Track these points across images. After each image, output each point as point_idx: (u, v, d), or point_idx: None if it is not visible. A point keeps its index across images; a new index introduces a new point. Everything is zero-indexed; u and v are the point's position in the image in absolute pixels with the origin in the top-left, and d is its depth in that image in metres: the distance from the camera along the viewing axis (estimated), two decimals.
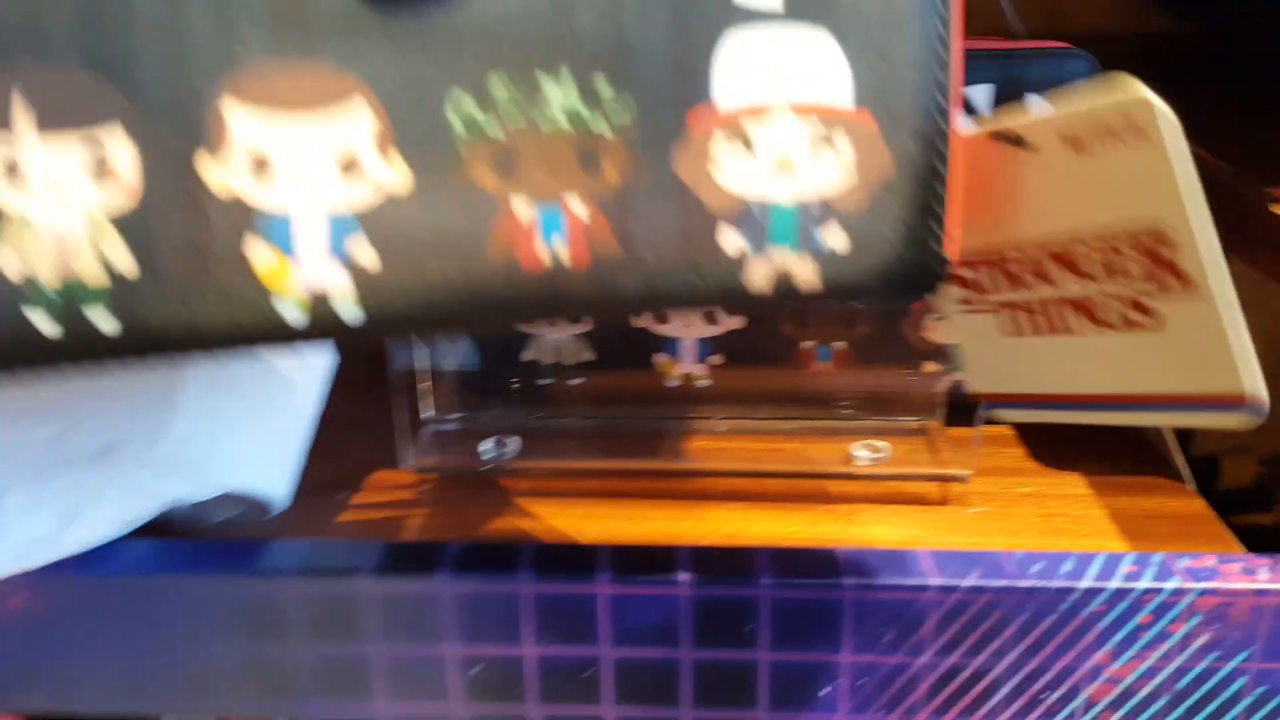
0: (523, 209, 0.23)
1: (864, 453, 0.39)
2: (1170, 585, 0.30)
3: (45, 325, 0.23)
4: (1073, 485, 0.38)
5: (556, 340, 0.41)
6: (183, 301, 0.23)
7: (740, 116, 0.24)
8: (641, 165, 0.24)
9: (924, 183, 0.24)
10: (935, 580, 0.31)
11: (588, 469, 0.40)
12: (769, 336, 0.39)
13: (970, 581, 0.31)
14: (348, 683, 0.33)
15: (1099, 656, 0.31)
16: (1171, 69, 0.37)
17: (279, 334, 0.23)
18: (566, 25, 0.23)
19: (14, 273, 0.23)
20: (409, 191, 0.23)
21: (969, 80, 0.35)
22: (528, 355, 0.41)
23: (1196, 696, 0.32)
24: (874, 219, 0.24)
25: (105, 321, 0.23)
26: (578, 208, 0.24)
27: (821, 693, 0.32)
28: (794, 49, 0.23)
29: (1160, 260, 0.23)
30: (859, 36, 0.23)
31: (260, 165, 0.23)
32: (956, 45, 0.24)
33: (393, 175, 0.23)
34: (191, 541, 0.33)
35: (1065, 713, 0.32)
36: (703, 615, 0.32)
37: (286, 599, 0.32)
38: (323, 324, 0.23)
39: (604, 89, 0.23)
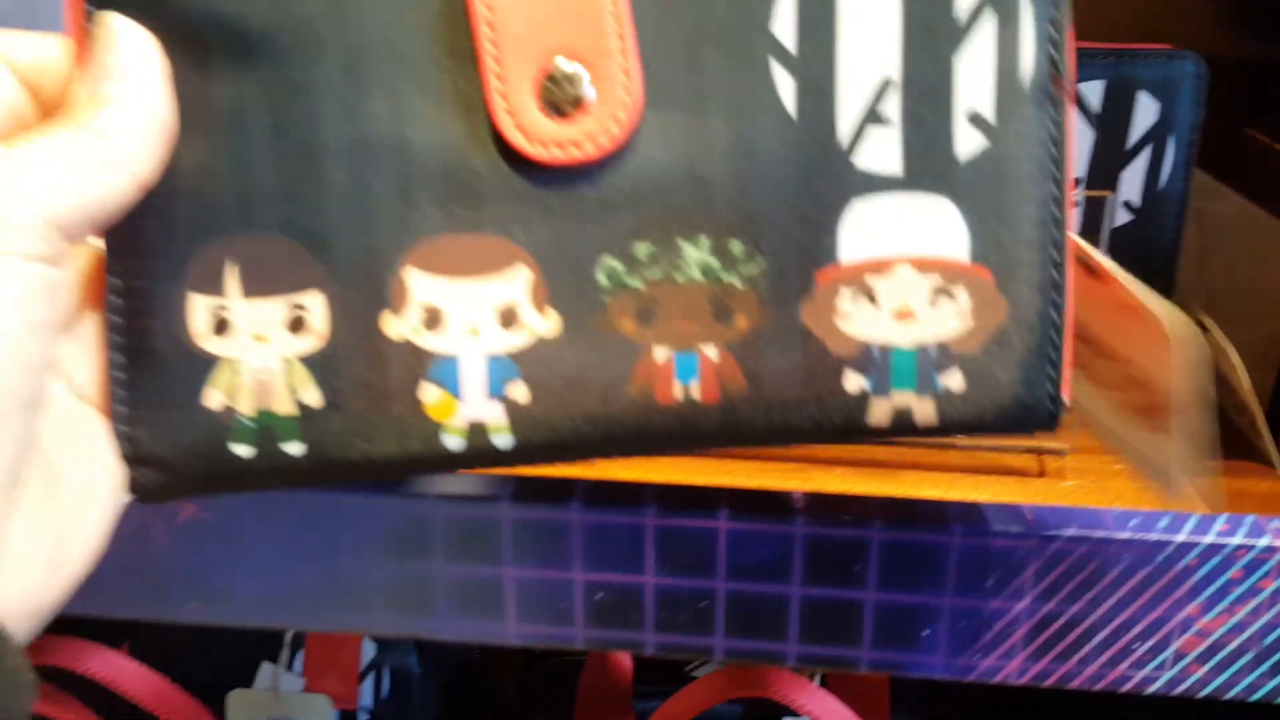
0: (661, 354, 0.27)
1: None
2: (1262, 542, 0.33)
3: (242, 450, 0.27)
4: None
5: None
6: (361, 430, 0.27)
7: (863, 270, 0.26)
8: (770, 314, 0.27)
9: (1038, 330, 0.27)
10: (1037, 530, 0.34)
11: None
12: None
13: (1070, 532, 0.34)
14: (482, 603, 0.37)
15: (1190, 609, 0.34)
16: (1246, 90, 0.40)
17: (441, 461, 0.27)
18: (704, 197, 0.26)
19: (219, 407, 0.27)
20: (559, 336, 0.27)
21: (1082, 77, 0.39)
22: None
23: None
24: (990, 362, 0.27)
25: (293, 446, 0.27)
26: (711, 352, 0.27)
27: (922, 634, 0.36)
28: (914, 212, 0.26)
29: (1150, 401, 0.29)
30: (976, 201, 0.26)
31: (433, 318, 0.27)
32: (1069, 206, 0.27)
33: (545, 323, 0.27)
34: None
35: (1154, 663, 0.35)
36: (814, 554, 0.35)
37: (433, 520, 0.36)
38: (479, 451, 0.27)
39: (737, 249, 0.26)
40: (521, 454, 0.27)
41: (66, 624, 0.49)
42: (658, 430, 0.27)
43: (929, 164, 0.26)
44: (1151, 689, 0.36)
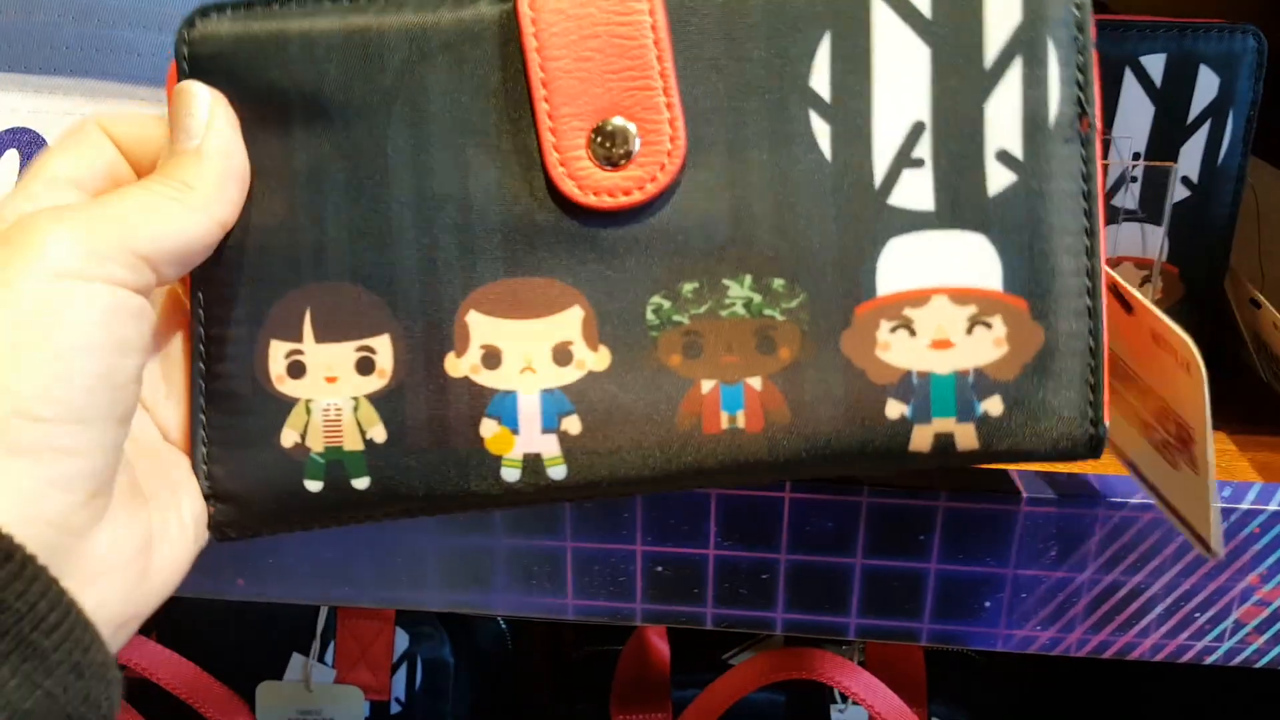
0: (707, 386, 0.29)
1: None
2: None
3: (312, 485, 0.30)
4: (1220, 441, 0.42)
5: None
6: (423, 464, 0.30)
7: (901, 302, 0.28)
8: (811, 346, 0.29)
9: (1074, 356, 0.28)
10: (1102, 498, 0.35)
11: None
12: None
13: (1135, 500, 0.35)
14: (541, 576, 0.38)
15: (1251, 578, 0.35)
16: None
17: (499, 493, 0.30)
18: (746, 237, 0.28)
19: (292, 445, 0.30)
20: (610, 371, 0.29)
21: (1143, 51, 0.40)
22: None
23: None
24: (1028, 387, 0.28)
25: (360, 481, 0.30)
26: (755, 383, 0.29)
27: (984, 605, 0.37)
28: (948, 246, 0.28)
29: (1185, 439, 0.30)
30: (1007, 234, 0.28)
31: (492, 356, 0.29)
32: (1101, 234, 0.28)
33: (597, 359, 0.29)
34: None
35: (1214, 633, 0.36)
36: (878, 524, 0.36)
37: None
38: (535, 483, 0.29)
39: (778, 285, 0.28)
40: (575, 486, 0.29)
41: None
42: (705, 460, 0.29)
43: (961, 201, 0.28)
44: (1210, 659, 0.37)
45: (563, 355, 0.29)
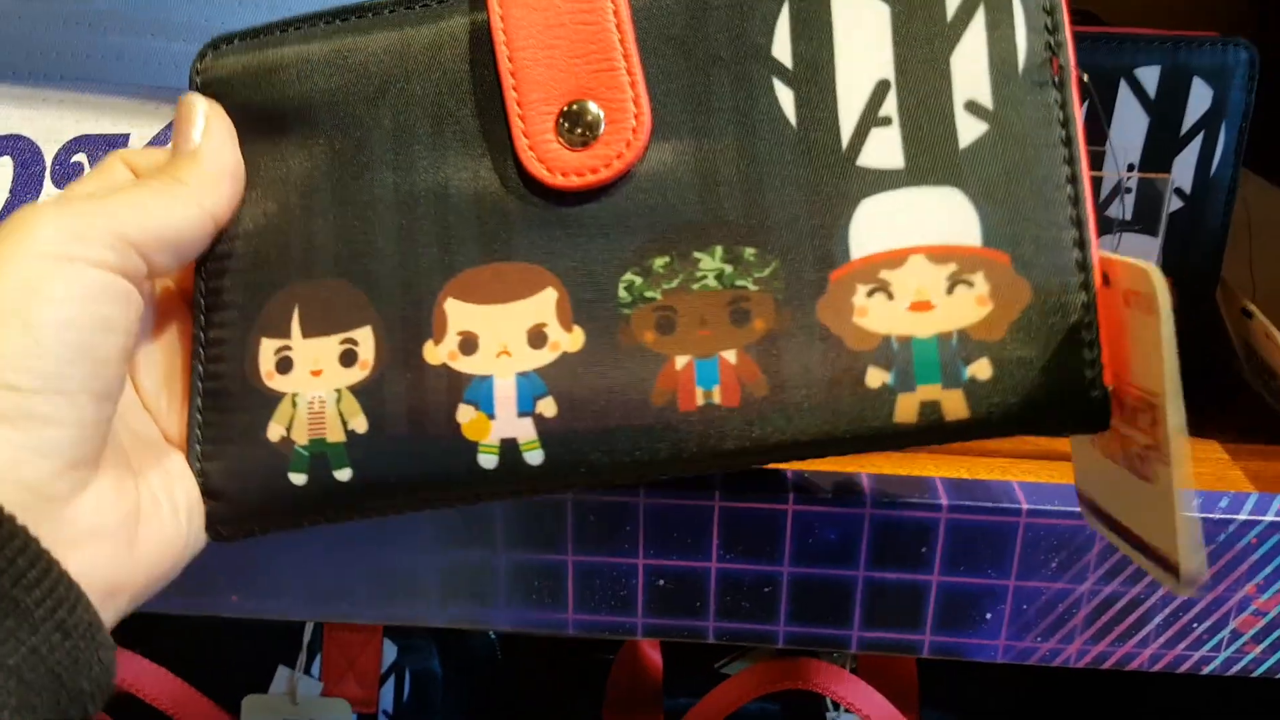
0: (681, 362, 0.29)
1: None
2: None
3: (297, 479, 0.31)
4: (1212, 450, 0.43)
5: None
6: (403, 452, 0.30)
7: (876, 264, 0.28)
8: (786, 315, 0.28)
9: (1066, 311, 0.27)
10: None
11: None
12: None
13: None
14: (543, 591, 0.39)
15: (1248, 588, 0.36)
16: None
17: (478, 480, 0.30)
18: (715, 209, 0.29)
19: (278, 439, 0.31)
20: (584, 351, 0.29)
21: (1137, 64, 0.41)
22: None
23: None
24: (1017, 348, 0.27)
25: (342, 473, 0.30)
26: (730, 356, 0.29)
27: (985, 617, 0.37)
28: (922, 203, 0.28)
29: (1154, 425, 0.26)
30: (982, 186, 0.27)
31: (468, 342, 0.30)
32: (1086, 181, 0.27)
33: (571, 340, 0.29)
34: None
35: (1212, 643, 0.37)
36: (880, 536, 0.37)
37: (494, 506, 0.38)
38: (512, 468, 0.30)
39: (749, 255, 0.29)
40: (552, 471, 0.30)
41: None
42: (683, 442, 0.29)
43: (932, 156, 0.28)
44: (1208, 669, 0.38)
45: (537, 338, 0.29)
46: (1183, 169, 0.42)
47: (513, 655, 0.68)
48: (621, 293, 0.29)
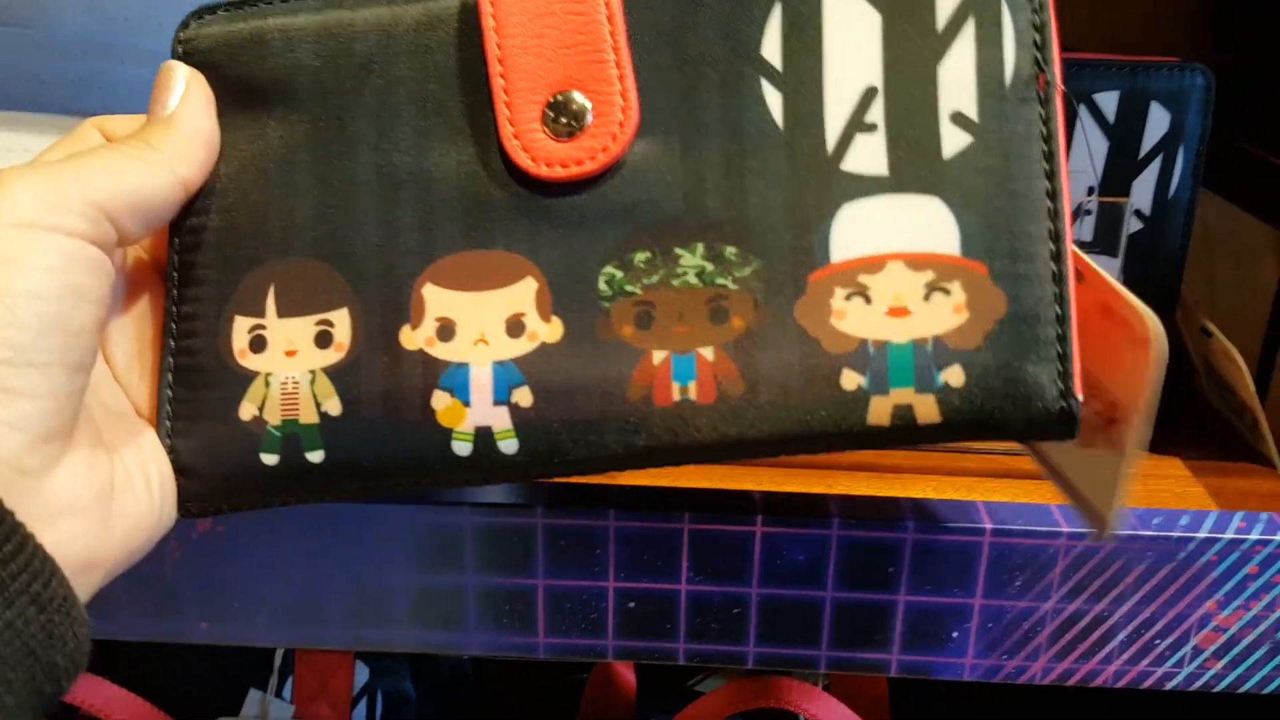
0: (659, 357, 0.29)
1: None
2: (1278, 538, 0.36)
3: (269, 459, 0.30)
4: (1173, 467, 0.44)
5: None
6: (376, 437, 0.30)
7: (856, 269, 0.28)
8: (765, 315, 0.28)
9: (1039, 323, 0.27)
10: (1065, 528, 0.36)
11: None
12: None
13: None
14: (514, 615, 0.39)
15: (1209, 605, 0.37)
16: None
17: (451, 467, 0.30)
18: (698, 206, 0.29)
19: (250, 418, 0.30)
20: (562, 342, 0.29)
21: (1096, 89, 0.42)
22: None
23: None
24: (990, 356, 0.27)
25: (314, 454, 0.30)
26: (707, 354, 0.29)
27: (952, 636, 0.38)
28: (904, 211, 0.28)
29: (1110, 420, 0.28)
30: (963, 197, 0.28)
31: (446, 329, 0.30)
32: (1065, 199, 0.28)
33: (549, 330, 0.29)
34: None
35: (1174, 659, 0.38)
36: (848, 557, 0.37)
37: (464, 531, 0.38)
38: (486, 457, 0.30)
39: (730, 253, 0.29)
40: (526, 461, 0.29)
41: None
42: (657, 436, 0.29)
43: (915, 164, 0.28)
44: (1170, 685, 0.38)
45: (515, 327, 0.29)
46: (1142, 191, 0.43)
47: (486, 676, 0.68)
48: (602, 286, 0.29)
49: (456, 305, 0.30)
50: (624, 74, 0.29)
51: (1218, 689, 0.39)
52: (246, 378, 0.30)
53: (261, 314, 0.30)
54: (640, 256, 0.29)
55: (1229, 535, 0.36)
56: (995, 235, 0.27)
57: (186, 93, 0.30)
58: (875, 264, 0.28)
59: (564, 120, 0.29)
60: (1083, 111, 0.42)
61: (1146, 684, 0.38)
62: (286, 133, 0.31)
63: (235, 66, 0.31)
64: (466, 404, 0.29)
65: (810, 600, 0.38)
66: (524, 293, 0.29)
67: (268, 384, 0.30)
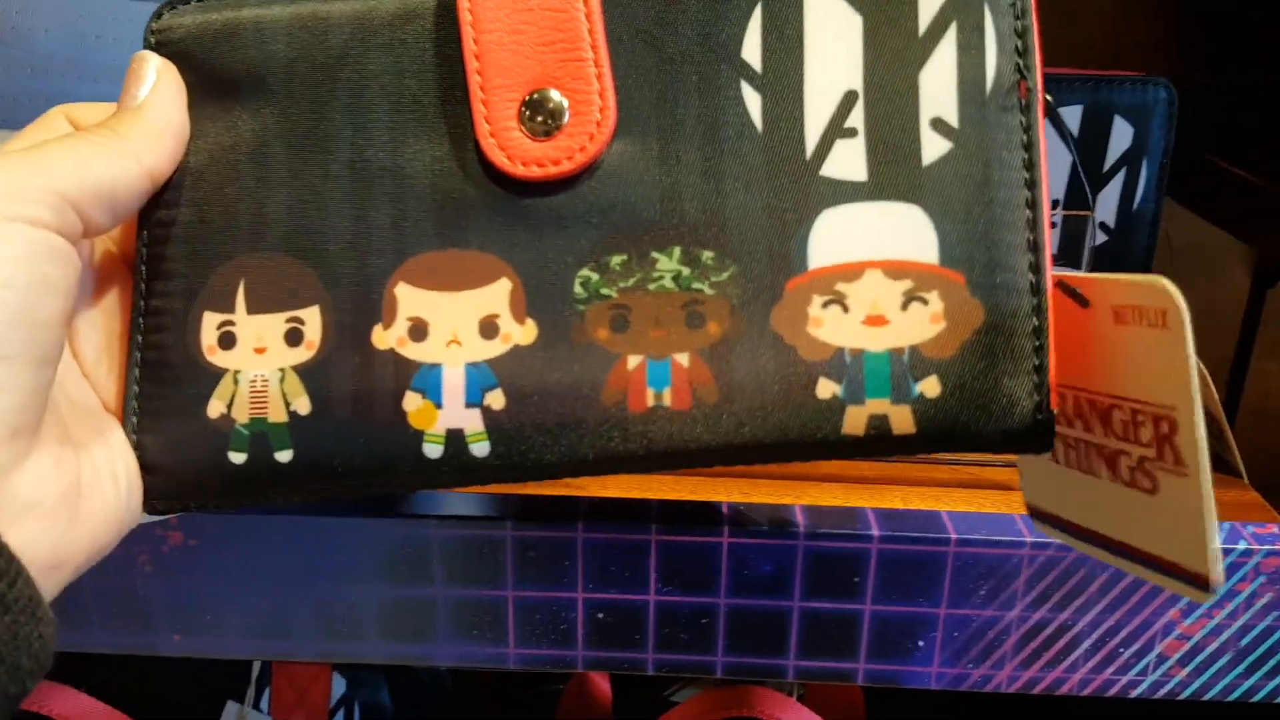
0: (634, 361, 0.29)
1: None
2: (1239, 546, 0.36)
3: (237, 457, 0.30)
4: None
5: None
6: (346, 437, 0.29)
7: (833, 276, 0.28)
8: (741, 321, 0.28)
9: (1017, 334, 0.27)
10: (1029, 538, 0.36)
11: None
12: None
13: (1060, 540, 0.36)
14: (484, 626, 0.39)
15: (1172, 613, 0.37)
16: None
17: (421, 468, 0.29)
18: (676, 209, 0.29)
19: (218, 416, 0.30)
20: (536, 345, 0.29)
21: (1060, 103, 0.42)
22: None
23: (1257, 653, 0.37)
24: (967, 367, 0.27)
25: (283, 454, 0.30)
26: (682, 359, 0.28)
27: (918, 645, 0.38)
28: (883, 218, 0.28)
29: (1164, 436, 0.26)
30: (942, 205, 0.27)
31: (418, 329, 0.29)
32: (1045, 209, 0.28)
33: (523, 332, 0.29)
34: None
35: (1139, 667, 0.38)
36: (814, 567, 0.37)
37: (433, 543, 0.38)
38: (457, 459, 0.29)
39: (708, 258, 0.28)
40: (498, 464, 0.29)
41: None
42: (631, 441, 0.28)
43: (895, 171, 0.28)
44: (1135, 693, 0.39)
45: (489, 328, 0.29)
46: (1107, 203, 0.43)
47: (462, 688, 0.68)
48: (577, 288, 0.29)
49: (429, 305, 0.29)
50: (602, 73, 0.29)
51: (1182, 696, 0.39)
52: (215, 375, 0.30)
53: (231, 310, 0.30)
54: (616, 259, 0.29)
55: None
56: (974, 244, 0.27)
57: (157, 82, 0.30)
58: (853, 271, 0.28)
59: (540, 119, 0.29)
60: (1047, 126, 0.43)
61: (1112, 692, 0.38)
62: (259, 125, 0.30)
63: (208, 57, 0.30)
64: (438, 406, 0.29)
65: (777, 610, 0.38)
66: (498, 294, 0.29)
67: (236, 381, 0.30)
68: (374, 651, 0.40)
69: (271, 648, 0.40)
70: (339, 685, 0.64)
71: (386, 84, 0.29)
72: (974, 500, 0.43)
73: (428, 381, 0.29)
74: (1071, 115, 0.42)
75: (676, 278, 0.28)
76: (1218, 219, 0.50)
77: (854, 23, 0.28)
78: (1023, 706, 0.64)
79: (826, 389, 0.28)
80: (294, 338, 0.30)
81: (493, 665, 0.39)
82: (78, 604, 0.40)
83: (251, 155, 0.30)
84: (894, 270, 0.27)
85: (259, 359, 0.30)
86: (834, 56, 0.28)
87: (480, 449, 0.29)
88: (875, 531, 0.37)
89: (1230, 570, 0.36)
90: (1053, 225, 0.43)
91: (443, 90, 0.29)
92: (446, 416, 0.29)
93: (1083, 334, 0.28)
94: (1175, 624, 0.37)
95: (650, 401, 0.28)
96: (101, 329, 0.31)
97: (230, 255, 0.30)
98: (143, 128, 0.29)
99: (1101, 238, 0.43)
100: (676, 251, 0.29)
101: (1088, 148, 0.43)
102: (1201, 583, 0.25)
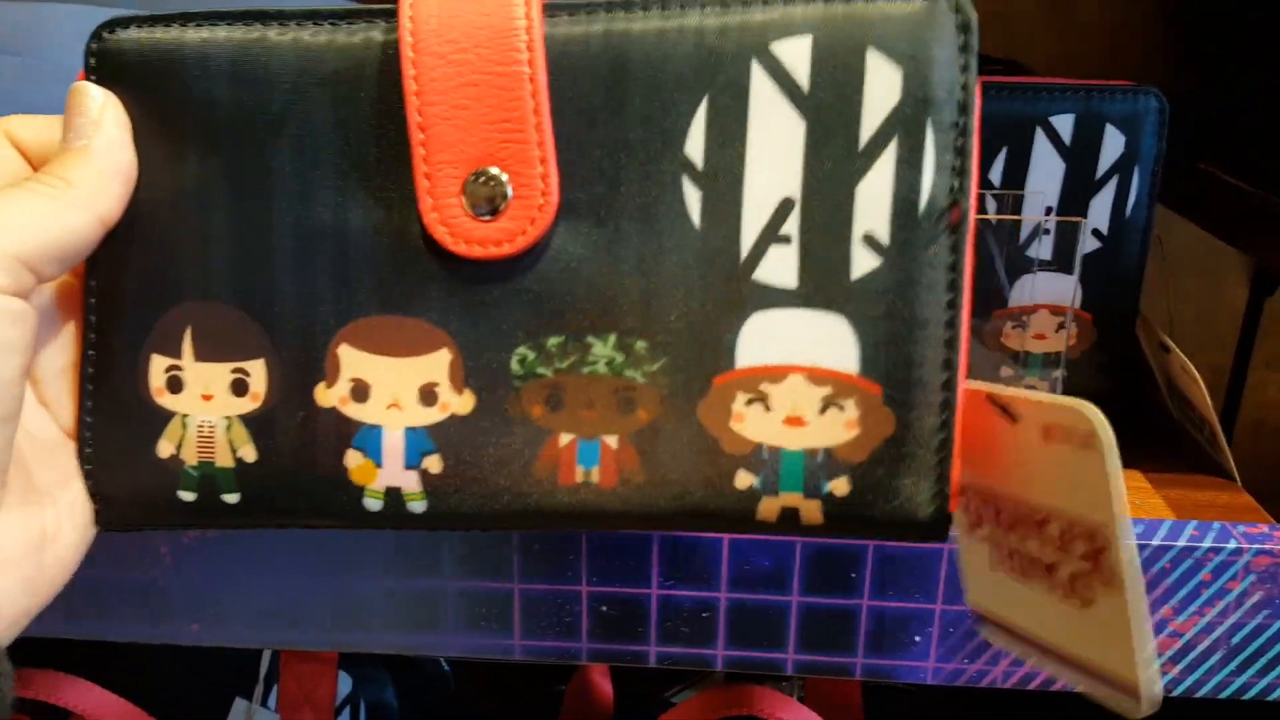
0: (565, 439, 0.29)
1: None
2: (1230, 545, 0.36)
3: (186, 495, 0.31)
4: (1135, 479, 0.44)
5: None
6: (290, 486, 0.30)
7: (758, 377, 0.28)
8: (669, 411, 0.29)
9: (925, 444, 0.28)
10: None
11: None
12: None
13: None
14: (490, 618, 0.39)
15: (1164, 611, 0.37)
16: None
17: (362, 520, 0.30)
18: (612, 298, 0.29)
19: (168, 456, 0.30)
20: (473, 415, 0.29)
21: (1054, 111, 0.43)
22: None
23: (1249, 651, 0.38)
24: (875, 472, 0.28)
25: (230, 496, 0.31)
26: (612, 441, 0.29)
27: (914, 640, 0.38)
28: (809, 325, 0.28)
29: (1096, 551, 0.26)
30: (866, 319, 0.28)
31: (360, 390, 0.30)
32: (964, 326, 0.28)
33: (461, 401, 0.29)
34: None
35: None
36: (813, 562, 0.38)
37: (442, 536, 0.38)
38: (396, 514, 0.30)
39: (641, 348, 0.29)
40: (436, 520, 0.30)
41: (41, 656, 0.50)
42: (561, 509, 0.30)
43: (824, 281, 0.28)
44: None
45: (428, 395, 0.29)
46: (1099, 211, 0.44)
47: (465, 686, 0.68)
48: (514, 365, 0.29)
49: (371, 368, 0.29)
50: (545, 156, 0.28)
51: (1175, 693, 0.39)
52: (164, 416, 0.30)
53: (178, 355, 0.30)
54: (553, 341, 0.29)
55: (1182, 543, 0.36)
56: (892, 359, 0.28)
57: (102, 120, 0.28)
58: (777, 374, 0.28)
59: (484, 197, 0.28)
60: (1039, 134, 0.43)
61: None
62: (205, 171, 0.29)
63: (151, 87, 0.29)
64: (378, 465, 0.30)
65: (776, 605, 0.38)
66: (438, 363, 0.29)
67: (184, 425, 0.30)
68: (385, 642, 0.40)
69: (284, 638, 0.40)
70: (345, 683, 0.64)
71: (332, 140, 0.29)
72: None
73: (368, 441, 0.30)
74: (1063, 124, 0.43)
75: (610, 364, 0.29)
76: (1214, 227, 0.51)
77: (797, 128, 0.28)
78: (1017, 703, 0.65)
79: (744, 480, 0.29)
80: (239, 388, 0.30)
81: (499, 656, 0.40)
82: (99, 595, 0.40)
83: (198, 200, 0.29)
84: (815, 376, 0.28)
85: (206, 405, 0.30)
86: (775, 161, 0.28)
87: (417, 506, 0.30)
88: None
89: (1221, 569, 0.37)
90: (1046, 232, 0.43)
91: (387, 154, 0.29)
92: (386, 475, 0.30)
93: (1016, 446, 0.28)
94: (1167, 622, 0.37)
95: (579, 478, 0.29)
96: (57, 355, 0.30)
97: (177, 299, 0.30)
98: (93, 173, 0.28)
99: (1094, 245, 0.44)
100: (612, 339, 0.29)
101: (1080, 156, 0.43)
102: (1133, 694, 0.25)
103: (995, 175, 0.44)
